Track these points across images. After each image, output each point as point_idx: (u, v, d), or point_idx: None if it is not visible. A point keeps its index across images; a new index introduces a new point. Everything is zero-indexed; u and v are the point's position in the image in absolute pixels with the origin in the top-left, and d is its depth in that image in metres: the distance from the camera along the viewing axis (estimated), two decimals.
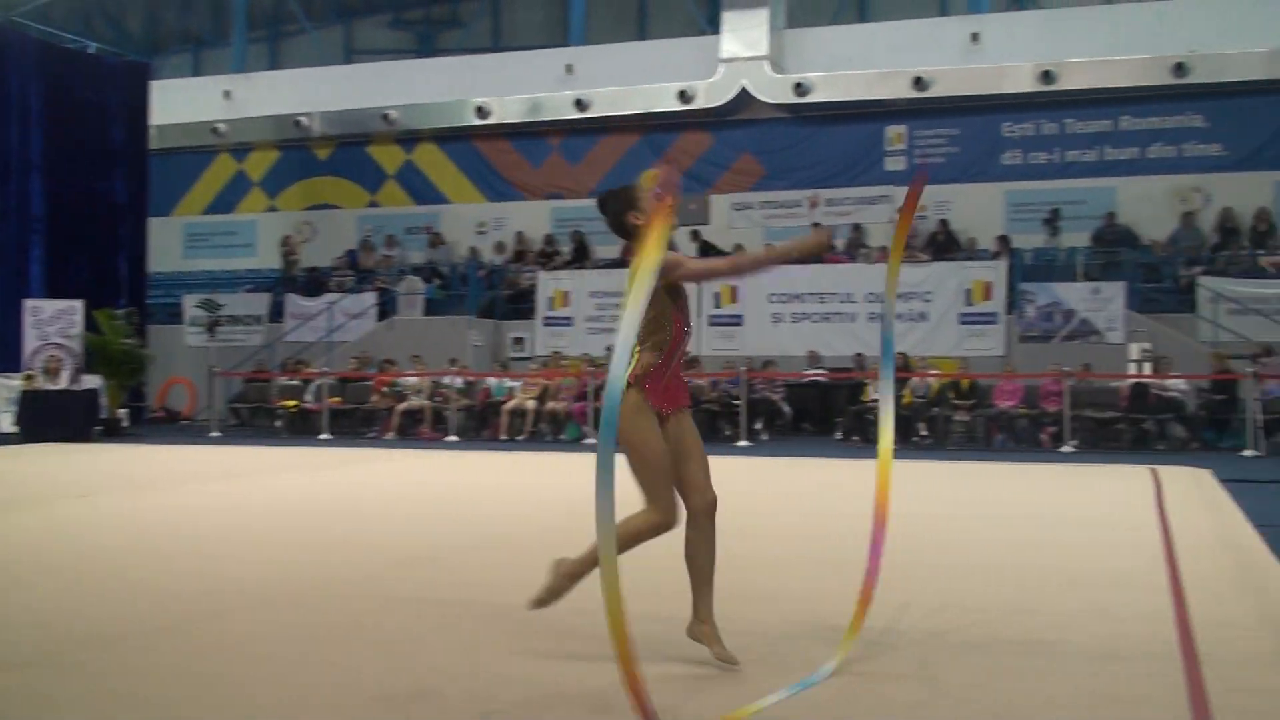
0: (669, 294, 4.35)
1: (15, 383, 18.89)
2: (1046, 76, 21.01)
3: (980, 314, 19.46)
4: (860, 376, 18.21)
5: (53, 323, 19.33)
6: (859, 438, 17.11)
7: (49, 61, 21.85)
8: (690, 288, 4.58)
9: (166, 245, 26.39)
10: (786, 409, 18.54)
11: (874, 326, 19.91)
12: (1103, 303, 18.77)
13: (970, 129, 22.44)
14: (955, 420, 17.25)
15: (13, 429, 18.37)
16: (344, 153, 26.50)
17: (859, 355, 19.02)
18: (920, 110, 22.50)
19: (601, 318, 21.32)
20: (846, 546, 6.79)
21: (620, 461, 3.82)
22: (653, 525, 4.39)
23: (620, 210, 4.56)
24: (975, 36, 21.87)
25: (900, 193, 22.35)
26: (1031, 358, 18.34)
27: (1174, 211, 21.12)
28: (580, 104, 23.57)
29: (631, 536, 4.35)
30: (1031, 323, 19.10)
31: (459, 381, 18.97)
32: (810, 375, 19.13)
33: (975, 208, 22.09)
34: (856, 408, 17.45)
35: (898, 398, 16.72)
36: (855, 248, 21.80)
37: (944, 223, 21.52)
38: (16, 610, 5.44)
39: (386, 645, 4.75)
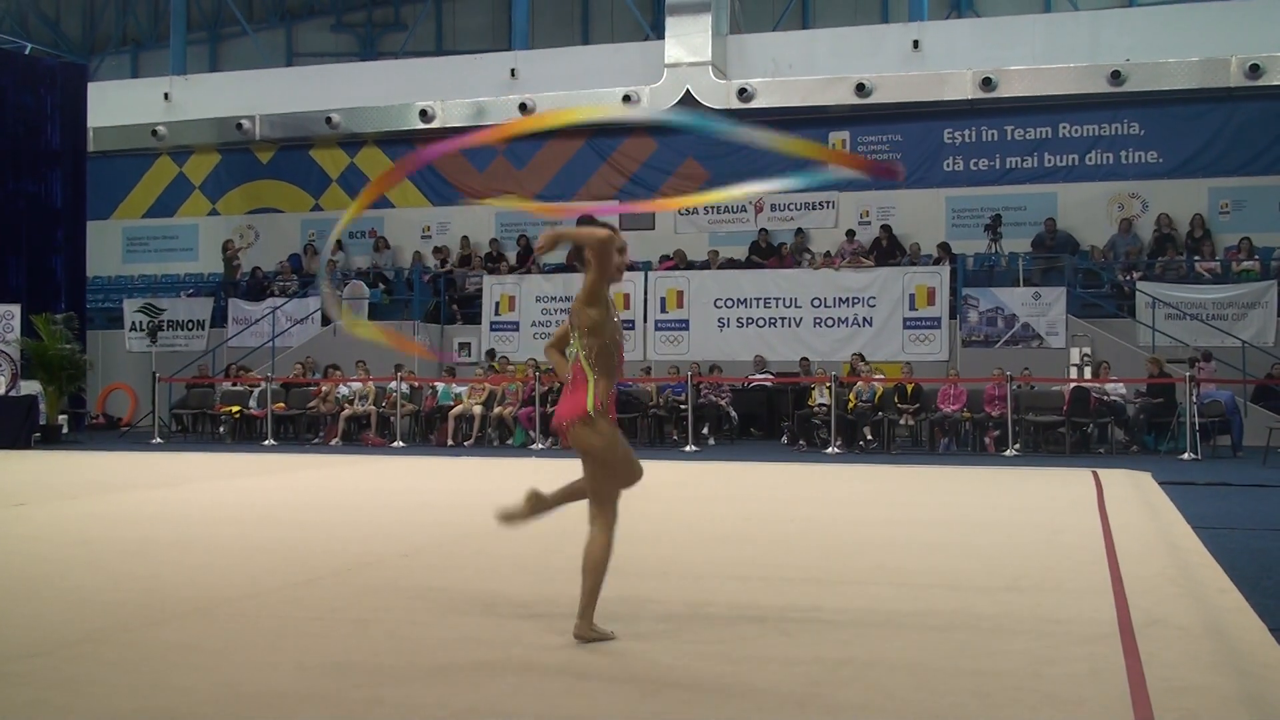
0: (591, 333, 4.77)
1: None
2: (987, 83, 21.29)
3: (924, 319, 19.68)
4: (806, 381, 18.34)
5: None
6: (805, 442, 17.24)
7: None
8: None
9: (106, 249, 26.06)
10: (733, 414, 18.64)
11: (819, 331, 20.08)
12: (1044, 308, 19.05)
13: (912, 135, 22.68)
14: (900, 424, 17.43)
15: None
16: (286, 156, 26.28)
17: (804, 360, 19.15)
18: (863, 116, 22.70)
19: (548, 322, 21.30)
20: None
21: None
22: (609, 538, 4.82)
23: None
24: (916, 44, 22.11)
25: (844, 198, 22.62)
26: (974, 362, 18.56)
27: (1112, 218, 21.49)
28: (525, 108, 23.52)
29: (601, 563, 4.77)
30: (974, 327, 19.34)
31: (405, 387, 18.88)
32: (757, 380, 19.24)
33: (918, 213, 22.33)
34: (802, 412, 17.58)
35: (843, 402, 16.92)
36: (799, 253, 21.95)
37: (886, 228, 21.73)
38: None
39: (331, 651, 4.75)
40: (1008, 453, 16.09)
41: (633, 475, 4.99)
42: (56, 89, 22.40)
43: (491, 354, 20.49)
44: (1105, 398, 16.87)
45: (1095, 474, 12.74)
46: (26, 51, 25.49)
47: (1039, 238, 21.19)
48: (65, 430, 19.57)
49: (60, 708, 4.02)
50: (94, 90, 23.72)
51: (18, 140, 21.73)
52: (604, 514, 4.82)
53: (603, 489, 4.82)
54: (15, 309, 19.48)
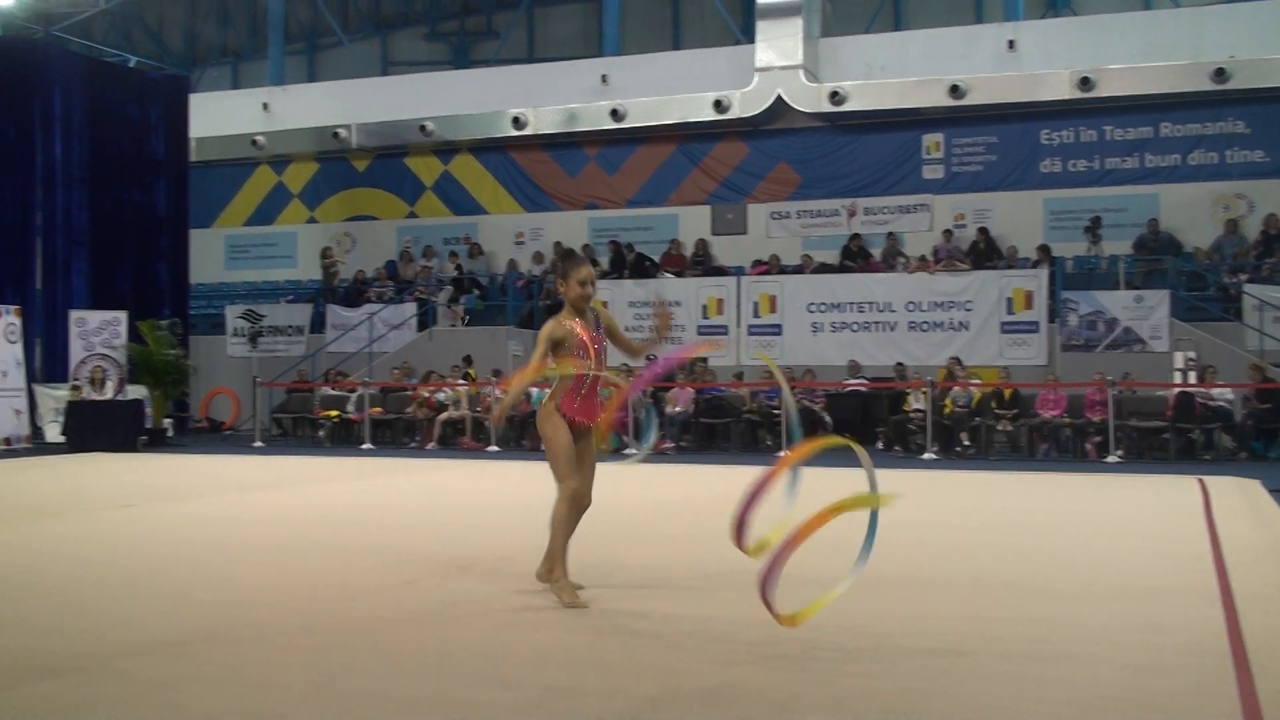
0: (556, 351, 5.89)
1: (62, 393, 19.14)
2: (1085, 83, 20.89)
3: (1022, 323, 19.37)
4: (901, 386, 18.15)
5: (98, 333, 19.56)
6: (900, 447, 17.06)
7: (91, 76, 22.11)
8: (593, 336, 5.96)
9: (208, 256, 26.67)
10: (827, 418, 18.49)
11: (914, 335, 19.87)
12: (1146, 311, 18.64)
13: (1008, 136, 22.34)
14: (997, 430, 17.17)
15: (60, 439, 18.60)
16: (382, 164, 26.66)
17: (899, 365, 18.97)
18: (957, 118, 22.41)
19: (640, 327, 21.33)
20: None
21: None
22: (566, 500, 5.82)
23: (555, 275, 6.15)
24: (1012, 44, 21.80)
25: (939, 201, 22.35)
26: (1074, 367, 18.23)
27: (1217, 218, 20.97)
28: (616, 114, 23.62)
29: (561, 522, 5.82)
30: (1074, 331, 18.99)
31: (499, 392, 19.00)
32: (851, 385, 19.07)
33: (1014, 216, 21.99)
34: (898, 417, 17.39)
35: (939, 407, 16.71)
36: (892, 256, 21.75)
37: (984, 231, 21.44)
38: (61, 617, 5.51)
39: (422, 654, 4.78)
40: (1109, 459, 15.77)
41: (564, 473, 5.82)
42: (160, 100, 22.98)
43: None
44: (1211, 403, 16.45)
45: (1201, 481, 12.43)
46: (131, 64, 26.17)
47: (1141, 239, 20.75)
48: (170, 434, 20.03)
49: (165, 704, 4.09)
50: (196, 101, 24.32)
51: (124, 151, 22.33)
52: (559, 486, 5.84)
53: (553, 467, 5.88)
54: (122, 315, 20.00)
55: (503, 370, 19.69)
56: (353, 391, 20.08)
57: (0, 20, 26.97)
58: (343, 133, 25.67)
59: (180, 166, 23.32)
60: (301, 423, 21.00)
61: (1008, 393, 17.22)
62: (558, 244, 24.28)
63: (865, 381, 19.13)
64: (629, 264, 22.91)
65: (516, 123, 24.46)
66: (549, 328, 5.88)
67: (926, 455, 16.34)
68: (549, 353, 5.85)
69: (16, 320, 18.94)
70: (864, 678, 4.43)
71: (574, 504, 5.86)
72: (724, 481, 13.09)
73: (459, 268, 24.28)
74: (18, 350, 18.85)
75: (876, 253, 22.10)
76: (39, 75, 21.01)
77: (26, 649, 4.88)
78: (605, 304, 21.60)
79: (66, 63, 21.93)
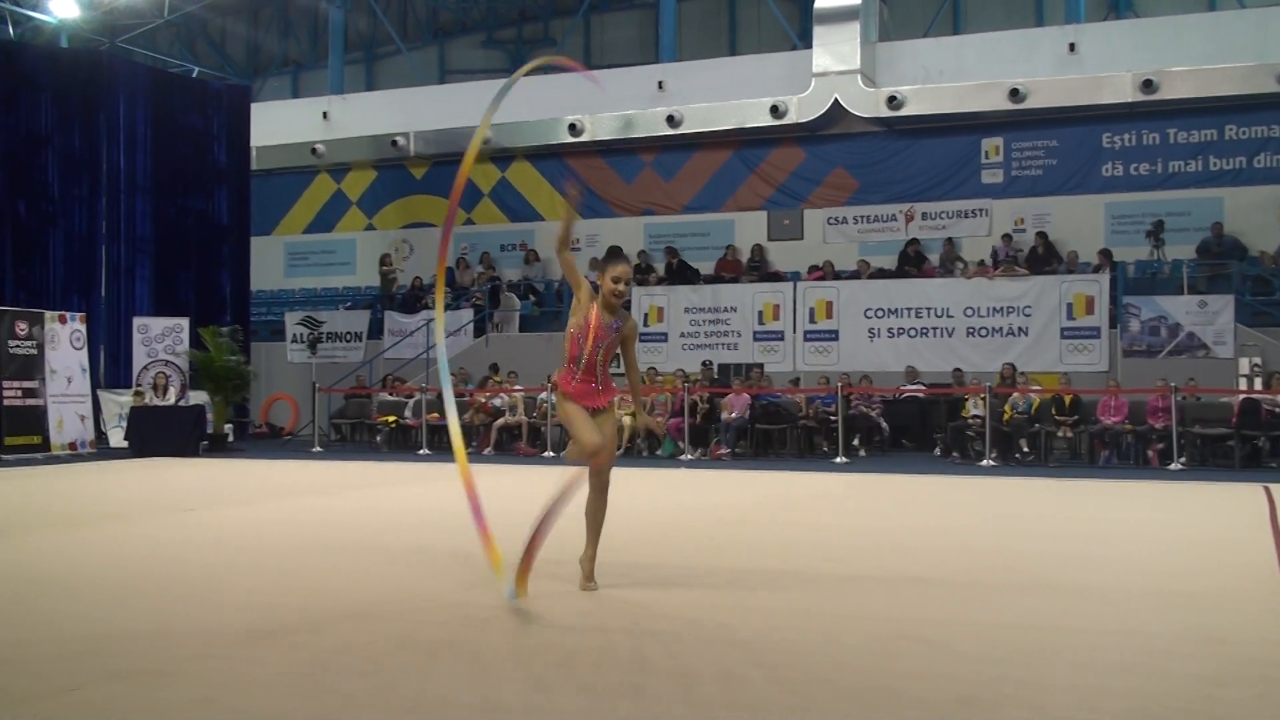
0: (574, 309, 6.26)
1: (126, 398, 19.43)
2: (1147, 85, 20.60)
3: (1082, 328, 19.14)
4: (960, 392, 17.99)
5: (160, 340, 19.83)
6: (959, 454, 16.91)
7: (155, 86, 22.43)
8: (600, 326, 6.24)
9: (268, 264, 26.97)
10: (884, 425, 18.39)
11: (972, 341, 19.70)
12: (1210, 316, 18.36)
13: (1069, 140, 22.09)
14: (1058, 437, 16.97)
15: (123, 444, 18.89)
16: (439, 171, 26.80)
17: (957, 370, 18.82)
18: (1017, 122, 22.19)
19: (696, 333, 21.34)
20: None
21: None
22: (582, 451, 6.15)
23: (597, 270, 6.40)
24: (1073, 46, 21.55)
25: (998, 205, 22.15)
26: (1136, 373, 18.00)
27: None
28: (672, 120, 23.61)
29: (594, 512, 6.33)
30: (1136, 337, 18.75)
31: (555, 397, 19.03)
32: (908, 391, 18.94)
33: (1075, 220, 21.74)
34: (956, 423, 17.24)
35: (998, 413, 16.54)
36: (950, 261, 21.58)
37: (1042, 235, 21.22)
38: (127, 620, 5.59)
39: (483, 659, 4.80)
40: (1173, 466, 15.54)
41: (577, 427, 6.18)
42: (222, 110, 23.28)
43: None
44: (1277, 409, 16.16)
45: (1267, 489, 12.23)
46: (194, 75, 26.55)
47: (1205, 243, 20.43)
48: (231, 439, 20.27)
49: (229, 708, 4.14)
50: (257, 110, 24.60)
51: (187, 160, 22.64)
52: (575, 438, 6.22)
53: (576, 440, 6.22)
54: (184, 322, 20.26)
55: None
56: (410, 397, 20.21)
57: (67, 32, 27.47)
58: (401, 140, 25.87)
59: (242, 175, 23.61)
60: (359, 428, 21.18)
61: (1068, 399, 17.02)
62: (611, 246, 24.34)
63: (923, 387, 18.99)
64: (673, 270, 22.95)
65: (573, 129, 24.52)
66: (586, 292, 6.20)
67: (985, 462, 16.18)
68: (579, 286, 6.21)
69: (82, 327, 19.26)
70: (926, 686, 4.39)
71: (586, 450, 6.11)
72: (780, 487, 13.06)
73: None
74: (83, 356, 19.16)
75: (934, 258, 21.94)
76: (105, 86, 21.35)
77: (93, 650, 4.95)
78: (659, 311, 21.63)
79: (131, 74, 22.26)
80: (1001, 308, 19.70)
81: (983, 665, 4.69)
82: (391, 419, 19.98)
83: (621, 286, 6.17)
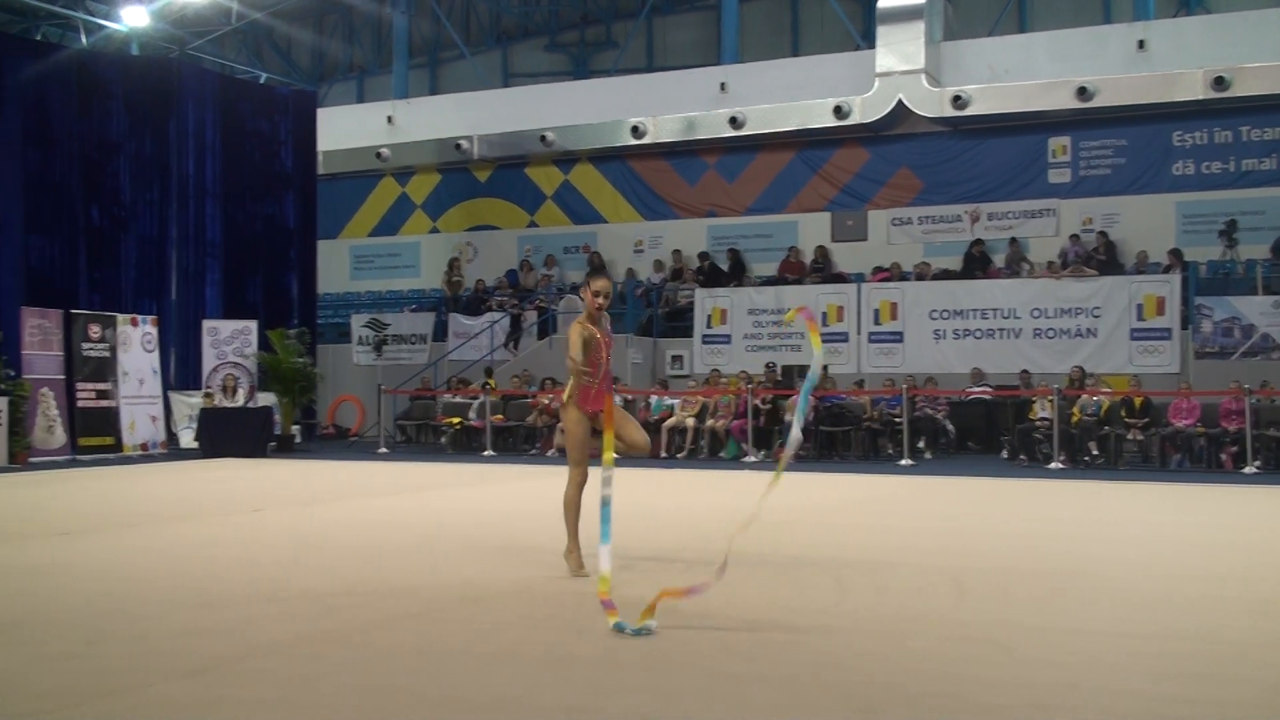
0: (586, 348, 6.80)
1: (195, 400, 19.72)
2: (1219, 83, 20.24)
3: (1153, 329, 18.85)
4: (1027, 394, 17.77)
5: (229, 342, 20.10)
6: (1026, 457, 16.70)
7: (224, 92, 22.74)
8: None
9: (334, 267, 27.27)
10: (950, 427, 18.22)
11: (1039, 343, 19.47)
12: None
13: (1138, 139, 21.77)
14: (1128, 439, 16.71)
15: (193, 444, 19.16)
16: (503, 174, 26.98)
17: (1024, 372, 18.60)
18: (1085, 120, 21.90)
19: (759, 335, 21.27)
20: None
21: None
22: (575, 485, 6.89)
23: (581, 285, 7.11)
24: (1142, 43, 21.21)
25: (1065, 205, 21.88)
26: (1209, 374, 17.69)
27: None
28: (735, 121, 23.55)
29: (569, 503, 6.92)
30: (1208, 338, 18.43)
31: (618, 399, 19.06)
32: (974, 392, 18.75)
33: (1144, 220, 21.41)
34: (1023, 426, 17.03)
35: (1066, 415, 16.32)
36: (1016, 262, 21.34)
37: (1103, 235, 20.95)
38: (196, 619, 5.66)
39: (545, 661, 4.80)
40: (1247, 470, 15.25)
41: (578, 460, 6.91)
42: (289, 115, 23.54)
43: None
44: None
45: None
46: (262, 80, 26.88)
47: (1279, 243, 20.04)
48: (298, 440, 20.50)
49: (296, 705, 4.18)
50: (323, 115, 24.87)
51: (254, 165, 22.93)
52: (571, 471, 6.90)
53: (570, 454, 6.97)
54: (253, 325, 20.52)
55: (621, 378, 19.76)
56: (474, 399, 20.32)
57: (138, 41, 27.93)
58: (465, 144, 26.04)
59: (308, 179, 23.87)
60: (424, 430, 21.33)
61: (1138, 401, 16.75)
62: (676, 251, 24.38)
63: (989, 389, 18.79)
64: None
65: (636, 132, 24.54)
66: (579, 330, 6.78)
67: (1053, 465, 15.98)
68: (574, 341, 6.79)
69: (153, 330, 19.57)
70: (995, 692, 4.34)
71: (579, 484, 6.88)
72: (844, 489, 12.97)
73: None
74: (154, 359, 19.48)
75: (999, 258, 21.71)
76: (174, 93, 21.68)
77: (161, 649, 5.02)
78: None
79: (200, 80, 22.59)
80: (1070, 309, 19.46)
81: (1053, 671, 4.63)
82: (456, 420, 20.10)
83: (601, 299, 6.88)
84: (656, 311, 22.70)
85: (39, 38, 26.67)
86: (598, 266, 6.01)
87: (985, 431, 18.81)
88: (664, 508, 11.10)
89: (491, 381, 20.49)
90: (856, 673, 4.61)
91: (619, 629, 5.23)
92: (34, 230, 19.39)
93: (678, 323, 22.67)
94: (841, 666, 4.69)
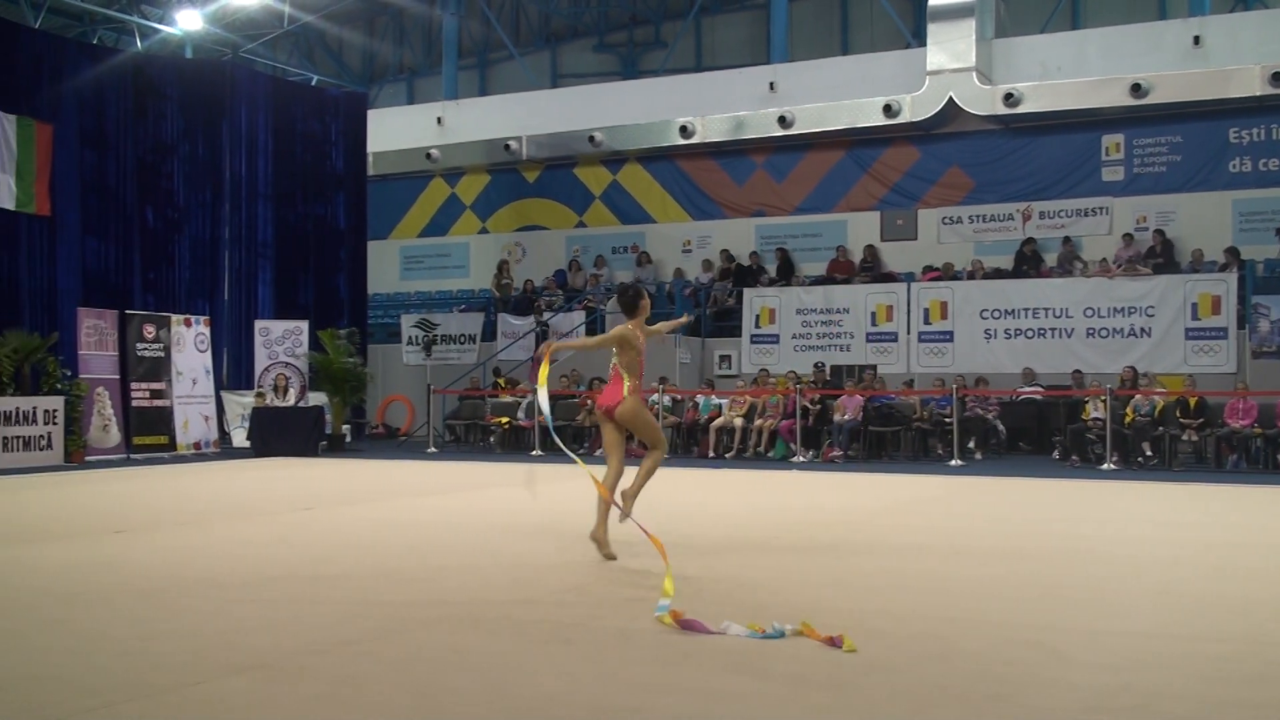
0: (621, 347, 7.51)
1: (248, 399, 19.91)
2: (1277, 78, 19.91)
3: (1208, 329, 18.59)
4: (1079, 394, 17.59)
5: (281, 342, 20.29)
6: (1078, 457, 16.53)
7: (276, 94, 22.95)
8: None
9: (384, 267, 27.46)
10: (1000, 427, 18.06)
11: (1092, 342, 19.27)
12: None
13: (1194, 136, 21.48)
14: (1182, 440, 16.49)
15: (245, 443, 19.36)
16: (551, 175, 27.06)
17: (1076, 372, 18.41)
18: (1139, 118, 21.64)
19: (808, 334, 21.19)
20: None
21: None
22: (658, 458, 7.79)
23: (633, 303, 7.67)
24: (1197, 39, 20.92)
25: (1118, 203, 21.65)
26: (1267, 374, 17.43)
27: None
28: (784, 121, 23.47)
29: (652, 471, 7.79)
30: (1266, 338, 18.15)
31: (666, 399, 19.08)
32: (1025, 393, 18.58)
33: (1200, 218, 21.13)
34: (1075, 426, 16.85)
35: (1119, 416, 16.13)
36: (1069, 261, 21.12)
37: (1160, 233, 20.69)
38: (248, 616, 5.71)
39: (592, 658, 4.80)
40: None
41: (664, 438, 7.81)
42: (340, 117, 23.73)
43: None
44: None
45: None
46: (313, 82, 27.08)
47: None
48: (348, 439, 20.65)
49: (344, 703, 4.20)
50: (373, 117, 25.04)
51: (306, 166, 23.13)
52: (662, 445, 7.86)
53: (649, 433, 7.76)
54: (304, 325, 20.71)
55: (667, 378, 19.75)
56: (523, 399, 20.37)
57: (191, 44, 28.24)
58: (513, 145, 26.13)
59: (359, 180, 24.04)
60: (473, 429, 21.42)
61: (1193, 401, 16.52)
62: (724, 251, 24.32)
63: (1040, 389, 18.61)
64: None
65: (684, 131, 24.52)
66: (627, 330, 7.45)
67: (1105, 466, 15.80)
68: (608, 345, 7.58)
69: (206, 330, 19.79)
70: (1045, 695, 4.29)
71: (659, 459, 7.76)
72: (893, 490, 12.90)
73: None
74: (207, 359, 19.69)
75: (1051, 257, 21.49)
76: (227, 95, 21.91)
77: (215, 646, 5.07)
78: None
79: (253, 83, 22.81)
80: (1123, 308, 19.23)
81: (1104, 674, 4.57)
82: (505, 420, 20.17)
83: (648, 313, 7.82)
84: (705, 311, 22.67)
85: (95, 42, 27.02)
86: (637, 291, 6.56)
87: (1037, 432, 18.64)
88: (706, 506, 11.07)
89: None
90: (905, 674, 4.57)
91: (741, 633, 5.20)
92: (90, 232, 19.67)
93: (725, 322, 22.63)
94: (890, 668, 4.66)
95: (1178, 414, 16.40)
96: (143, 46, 27.31)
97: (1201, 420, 16.37)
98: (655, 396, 18.85)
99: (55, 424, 16.56)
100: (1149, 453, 16.20)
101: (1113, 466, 15.75)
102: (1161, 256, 20.40)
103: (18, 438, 16.10)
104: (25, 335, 17.03)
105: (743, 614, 5.65)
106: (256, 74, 24.14)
